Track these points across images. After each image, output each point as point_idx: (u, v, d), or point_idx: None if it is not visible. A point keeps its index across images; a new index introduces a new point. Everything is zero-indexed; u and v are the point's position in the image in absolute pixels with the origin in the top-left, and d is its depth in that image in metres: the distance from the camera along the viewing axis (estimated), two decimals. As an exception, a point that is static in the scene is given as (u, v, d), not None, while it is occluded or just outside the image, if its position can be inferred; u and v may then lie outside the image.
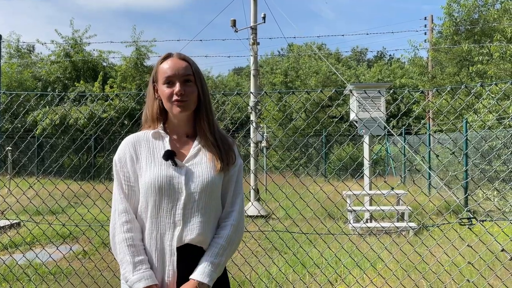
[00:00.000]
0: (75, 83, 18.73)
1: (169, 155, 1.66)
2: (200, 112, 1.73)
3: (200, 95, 1.71)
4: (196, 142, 1.73)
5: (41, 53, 24.04)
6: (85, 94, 4.16)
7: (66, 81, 19.49)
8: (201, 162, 1.70)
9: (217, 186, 1.70)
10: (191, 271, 1.62)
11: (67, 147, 17.16)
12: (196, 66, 1.73)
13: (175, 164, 1.66)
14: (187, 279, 1.61)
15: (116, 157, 1.72)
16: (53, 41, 19.21)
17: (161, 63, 1.72)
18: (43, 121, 16.51)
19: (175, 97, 1.65)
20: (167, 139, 1.71)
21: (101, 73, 18.67)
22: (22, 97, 3.86)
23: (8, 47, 21.26)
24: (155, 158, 1.68)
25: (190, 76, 1.69)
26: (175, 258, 1.62)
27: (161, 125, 1.74)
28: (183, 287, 1.59)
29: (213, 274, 1.62)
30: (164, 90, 1.68)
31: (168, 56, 1.73)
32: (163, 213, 1.63)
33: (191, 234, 1.63)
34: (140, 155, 1.69)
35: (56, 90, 19.02)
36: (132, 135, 1.76)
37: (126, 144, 1.73)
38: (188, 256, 1.64)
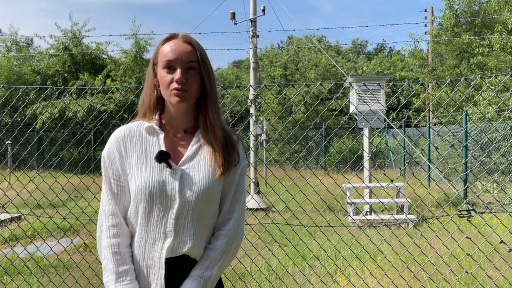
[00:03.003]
0: (79, 75, 18.68)
1: (163, 157, 1.46)
2: (204, 104, 1.51)
3: (206, 84, 1.50)
4: (195, 140, 1.53)
5: (39, 46, 23.95)
6: (84, 87, 4.15)
7: (66, 75, 19.45)
8: (199, 165, 1.50)
9: (216, 192, 1.51)
10: (181, 283, 1.48)
11: (67, 140, 17.17)
12: (202, 52, 1.51)
13: (169, 166, 1.46)
14: None
15: (105, 152, 1.53)
16: (51, 35, 19.16)
17: (163, 44, 1.50)
18: (43, 114, 16.48)
19: (174, 85, 1.45)
20: (161, 136, 1.51)
21: (107, 67, 18.60)
22: (21, 90, 3.85)
23: (5, 41, 21.14)
24: (147, 159, 1.48)
25: (194, 63, 1.47)
26: (163, 272, 1.46)
27: (157, 116, 1.54)
28: None
29: None
30: (163, 76, 1.47)
31: (172, 37, 1.51)
32: (153, 221, 1.46)
33: (183, 247, 1.46)
34: (131, 152, 1.50)
35: (57, 84, 18.98)
36: (124, 127, 1.56)
37: (116, 138, 1.53)
38: (179, 268, 1.48)
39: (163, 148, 1.49)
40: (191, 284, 1.46)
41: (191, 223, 1.47)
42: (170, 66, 1.46)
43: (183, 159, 1.50)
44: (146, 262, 1.47)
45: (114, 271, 1.44)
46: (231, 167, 1.52)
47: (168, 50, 1.47)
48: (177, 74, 1.45)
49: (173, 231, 1.45)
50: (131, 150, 1.51)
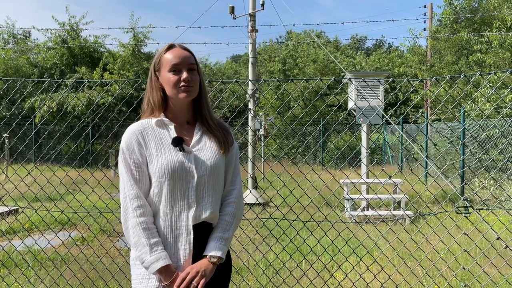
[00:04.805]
0: (76, 68, 18.58)
1: (178, 142, 1.75)
2: (200, 99, 1.85)
3: (201, 84, 1.83)
4: (197, 129, 1.85)
5: (37, 39, 23.76)
6: (82, 80, 4.12)
7: (63, 68, 19.35)
8: (205, 147, 1.82)
9: (222, 167, 1.84)
10: (203, 246, 1.75)
11: (65, 134, 17.13)
12: (196, 57, 1.85)
13: (183, 150, 1.76)
14: (200, 254, 1.73)
15: (123, 145, 1.77)
16: (47, 29, 19.03)
17: (165, 53, 1.81)
18: (41, 108, 16.41)
19: (182, 83, 1.75)
20: (172, 126, 1.80)
21: (102, 60, 18.51)
22: (19, 83, 3.83)
23: (2, 33, 20.97)
24: (164, 145, 1.77)
25: (194, 65, 1.80)
26: (191, 236, 1.72)
27: (162, 113, 1.82)
28: (199, 264, 1.70)
29: (224, 247, 1.76)
30: (170, 77, 1.76)
31: (171, 46, 1.82)
32: (178, 196, 1.73)
33: (205, 213, 1.75)
34: (149, 142, 1.77)
35: (54, 77, 18.88)
36: (136, 123, 1.83)
37: (132, 132, 1.79)
38: (201, 233, 1.76)
39: (176, 136, 1.78)
40: (215, 244, 1.74)
41: (208, 193, 1.77)
42: (175, 69, 1.76)
43: (192, 143, 1.81)
44: (173, 233, 1.72)
45: (147, 243, 1.67)
46: (229, 147, 1.87)
47: (172, 56, 1.78)
48: (184, 74, 1.76)
49: (195, 202, 1.74)
50: (149, 140, 1.78)
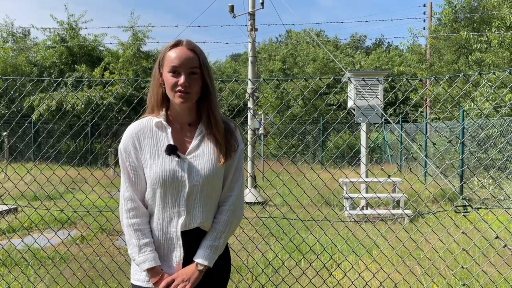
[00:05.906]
0: (75, 67, 18.55)
1: (171, 150, 1.71)
2: (205, 101, 1.74)
3: (207, 85, 1.72)
4: (198, 131, 1.77)
5: (36, 37, 23.69)
6: (82, 79, 4.12)
7: (62, 66, 19.32)
8: (203, 154, 1.74)
9: (219, 176, 1.77)
10: (196, 250, 1.76)
11: (64, 132, 17.12)
12: (203, 57, 1.73)
13: (178, 157, 1.71)
14: (192, 259, 1.75)
15: (121, 147, 1.77)
16: (45, 28, 19.01)
17: (169, 50, 1.71)
18: (40, 106, 16.39)
19: (178, 88, 1.67)
20: (169, 130, 1.74)
21: (105, 60, 18.48)
22: (19, 82, 3.84)
23: (1, 32, 20.93)
24: (158, 151, 1.73)
25: (196, 69, 1.69)
26: (181, 242, 1.73)
27: (164, 112, 1.76)
28: (185, 270, 1.73)
29: (213, 255, 1.75)
30: (168, 79, 1.69)
31: (177, 44, 1.72)
32: (168, 203, 1.72)
33: (195, 222, 1.74)
34: (144, 146, 1.74)
35: (53, 76, 18.84)
36: (136, 123, 1.78)
37: (130, 134, 1.76)
38: (193, 238, 1.76)
39: (171, 141, 1.73)
40: (203, 253, 1.74)
41: (200, 203, 1.74)
42: (175, 71, 1.68)
43: (189, 149, 1.75)
44: (165, 236, 1.75)
45: (137, 244, 1.72)
46: (232, 153, 1.78)
47: (174, 56, 1.68)
48: (181, 79, 1.67)
49: (185, 210, 1.72)
50: (144, 144, 1.75)
